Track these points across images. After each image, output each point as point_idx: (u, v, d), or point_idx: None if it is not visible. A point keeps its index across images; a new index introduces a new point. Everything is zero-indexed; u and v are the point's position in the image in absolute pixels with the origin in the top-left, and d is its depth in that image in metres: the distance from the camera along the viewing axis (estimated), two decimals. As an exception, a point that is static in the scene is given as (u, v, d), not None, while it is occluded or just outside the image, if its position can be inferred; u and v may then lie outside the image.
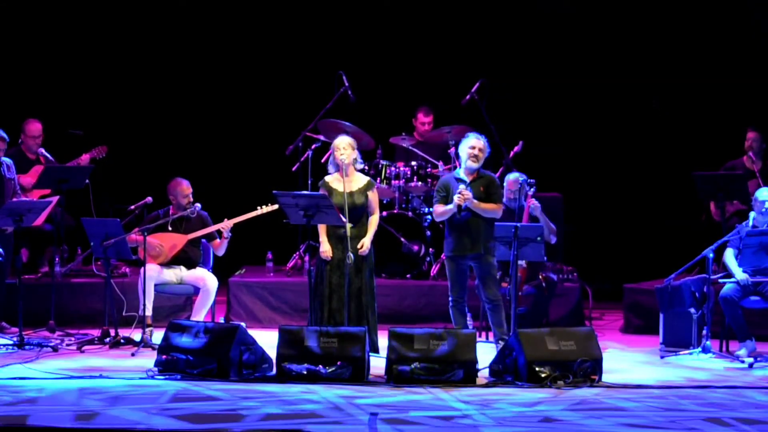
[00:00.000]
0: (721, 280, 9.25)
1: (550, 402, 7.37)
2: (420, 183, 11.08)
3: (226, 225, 9.69)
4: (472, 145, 9.13)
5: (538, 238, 8.69)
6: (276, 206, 9.48)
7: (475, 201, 9.00)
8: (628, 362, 8.99)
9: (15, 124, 10.90)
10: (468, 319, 9.42)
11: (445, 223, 9.22)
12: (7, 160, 10.09)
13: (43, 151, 10.86)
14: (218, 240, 9.81)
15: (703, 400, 7.49)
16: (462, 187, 9.00)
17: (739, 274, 9.06)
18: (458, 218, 9.03)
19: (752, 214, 9.24)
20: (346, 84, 11.16)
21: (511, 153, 10.95)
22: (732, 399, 7.56)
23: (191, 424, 6.69)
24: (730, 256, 9.20)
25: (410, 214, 11.02)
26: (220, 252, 9.86)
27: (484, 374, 8.17)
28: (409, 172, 11.10)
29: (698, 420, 6.90)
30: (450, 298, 9.22)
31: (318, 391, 7.60)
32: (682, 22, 12.54)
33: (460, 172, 9.18)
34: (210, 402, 7.29)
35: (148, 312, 9.50)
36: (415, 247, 11.01)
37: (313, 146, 11.14)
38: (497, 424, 6.74)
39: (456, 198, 8.99)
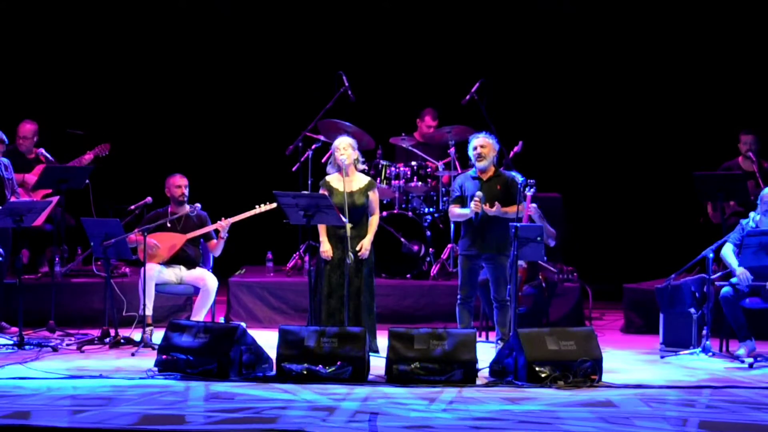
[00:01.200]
0: (718, 282, 9.24)
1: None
2: (420, 183, 11.08)
3: (224, 224, 9.68)
4: (474, 146, 9.15)
5: (538, 238, 8.69)
6: (274, 205, 9.48)
7: (494, 208, 8.98)
8: (628, 362, 8.98)
9: (15, 125, 10.91)
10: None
11: (460, 221, 9.23)
12: (4, 160, 10.10)
13: (43, 151, 10.86)
14: (215, 240, 9.81)
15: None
16: (479, 194, 8.99)
17: (738, 267, 9.01)
18: (474, 220, 9.04)
19: (752, 214, 9.23)
20: (346, 84, 11.16)
21: (511, 153, 10.95)
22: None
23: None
24: (727, 250, 9.15)
25: (410, 214, 11.03)
26: (217, 252, 9.86)
27: (484, 374, 8.17)
28: (409, 172, 11.10)
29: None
30: (458, 296, 9.20)
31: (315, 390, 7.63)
32: (682, 21, 12.54)
33: (476, 171, 9.18)
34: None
35: (148, 312, 9.50)
36: (415, 247, 11.01)
37: (313, 146, 11.14)
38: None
39: (472, 205, 8.98)
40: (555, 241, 9.78)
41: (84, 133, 11.51)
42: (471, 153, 9.17)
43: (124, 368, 8.37)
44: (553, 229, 9.74)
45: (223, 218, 9.71)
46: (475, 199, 8.97)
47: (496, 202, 9.00)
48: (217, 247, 9.82)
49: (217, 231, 9.74)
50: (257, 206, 9.71)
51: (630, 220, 12.75)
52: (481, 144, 9.14)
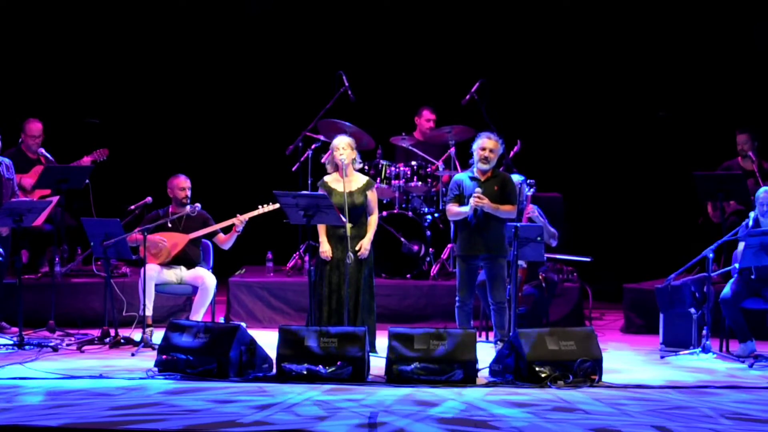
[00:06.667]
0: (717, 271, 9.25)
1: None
2: (420, 183, 11.08)
3: (244, 218, 9.63)
4: (482, 146, 9.10)
5: (538, 238, 8.69)
6: (277, 205, 9.46)
7: (492, 205, 8.99)
8: (628, 362, 8.98)
9: (15, 124, 10.91)
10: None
11: (458, 222, 9.22)
12: (6, 160, 10.10)
13: (43, 151, 10.87)
14: (222, 235, 9.79)
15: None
16: (478, 190, 8.98)
17: None
18: (472, 219, 9.03)
19: (752, 214, 9.24)
20: (346, 84, 11.16)
21: (511, 153, 10.95)
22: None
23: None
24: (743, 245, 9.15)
25: (410, 214, 11.03)
26: (227, 246, 9.82)
27: (484, 374, 8.17)
28: (409, 172, 11.10)
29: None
30: (457, 298, 9.19)
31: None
32: (682, 20, 12.54)
33: (475, 171, 9.17)
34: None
35: (149, 312, 9.49)
36: (415, 247, 11.01)
37: (313, 146, 11.15)
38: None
39: (472, 201, 8.98)
40: (557, 241, 9.78)
41: (100, 122, 11.54)
42: (476, 152, 9.12)
43: (124, 368, 8.37)
44: (554, 230, 9.74)
45: (238, 214, 9.66)
46: (475, 195, 8.96)
47: (486, 199, 8.99)
48: (227, 241, 9.78)
49: (226, 228, 9.73)
50: (260, 206, 9.70)
51: (630, 220, 12.75)
52: (491, 148, 9.06)
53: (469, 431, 6.58)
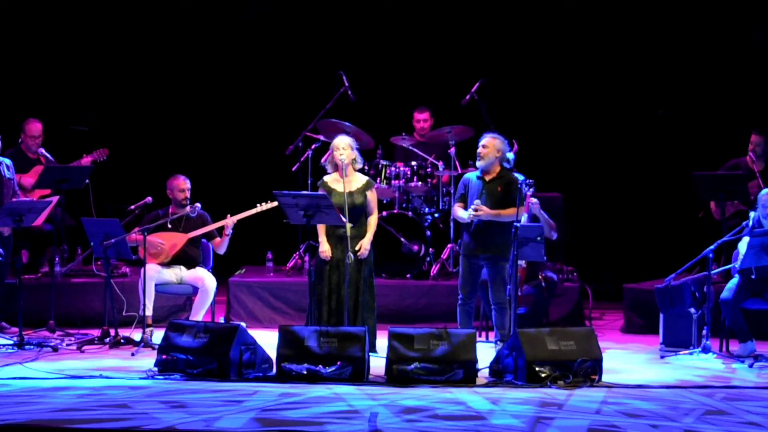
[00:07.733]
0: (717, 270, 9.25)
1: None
2: (420, 183, 11.08)
3: (230, 222, 9.66)
4: (479, 145, 9.15)
5: (538, 238, 8.69)
6: (275, 203, 9.46)
7: (492, 212, 8.99)
8: (628, 362, 8.98)
9: (15, 124, 10.91)
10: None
11: (460, 222, 9.26)
12: (6, 160, 10.10)
13: (43, 151, 10.87)
14: (218, 238, 9.81)
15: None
16: (477, 202, 9.00)
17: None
18: (473, 224, 9.05)
19: (752, 214, 9.24)
20: (346, 84, 11.16)
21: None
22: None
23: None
24: (744, 245, 9.14)
25: (410, 214, 11.02)
26: (221, 250, 9.85)
27: (484, 374, 8.17)
28: (409, 172, 11.10)
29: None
30: (459, 296, 9.21)
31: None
32: (683, 19, 12.54)
33: (480, 171, 9.21)
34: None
35: (149, 312, 9.50)
36: (415, 247, 11.01)
37: (313, 146, 11.15)
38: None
39: (471, 211, 9.00)
40: (557, 233, 9.77)
41: (88, 129, 11.52)
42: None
43: (124, 368, 8.37)
44: (552, 222, 9.73)
45: (228, 215, 9.70)
46: (473, 207, 8.99)
47: (485, 207, 8.99)
48: (221, 245, 9.81)
49: (220, 229, 9.75)
50: (258, 205, 9.71)
51: (630, 219, 12.75)
52: (484, 144, 9.14)
53: (467, 431, 6.59)
